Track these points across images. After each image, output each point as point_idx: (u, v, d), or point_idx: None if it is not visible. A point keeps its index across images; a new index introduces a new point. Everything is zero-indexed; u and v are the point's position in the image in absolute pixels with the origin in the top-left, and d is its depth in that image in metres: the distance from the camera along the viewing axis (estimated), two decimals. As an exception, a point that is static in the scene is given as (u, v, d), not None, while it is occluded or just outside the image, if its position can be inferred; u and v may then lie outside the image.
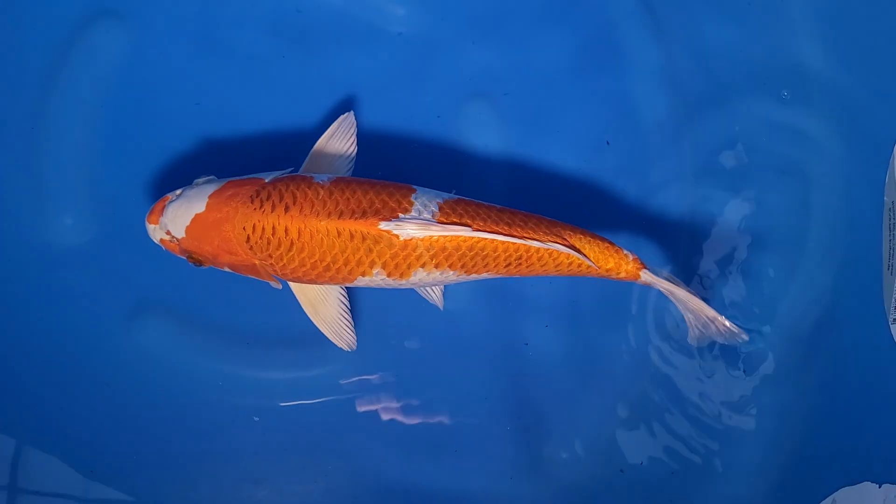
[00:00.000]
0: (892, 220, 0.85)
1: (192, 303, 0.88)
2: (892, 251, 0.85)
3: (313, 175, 0.78)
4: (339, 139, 0.83)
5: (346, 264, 0.76)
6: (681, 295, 0.81)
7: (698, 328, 0.83)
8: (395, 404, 0.89)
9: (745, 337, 0.82)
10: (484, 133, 0.90)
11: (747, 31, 0.90)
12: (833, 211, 0.90)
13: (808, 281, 0.90)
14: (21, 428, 0.87)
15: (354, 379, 0.89)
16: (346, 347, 0.84)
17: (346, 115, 0.83)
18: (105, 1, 0.87)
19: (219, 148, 0.88)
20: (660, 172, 0.91)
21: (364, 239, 0.75)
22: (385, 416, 0.89)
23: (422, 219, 0.75)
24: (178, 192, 0.79)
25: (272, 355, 0.89)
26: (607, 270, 0.79)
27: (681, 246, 0.91)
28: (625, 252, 0.79)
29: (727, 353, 0.90)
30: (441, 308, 0.85)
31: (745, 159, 0.91)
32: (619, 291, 0.90)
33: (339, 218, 0.74)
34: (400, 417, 0.89)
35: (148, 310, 0.88)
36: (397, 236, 0.74)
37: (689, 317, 0.83)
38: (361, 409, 0.89)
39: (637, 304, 0.91)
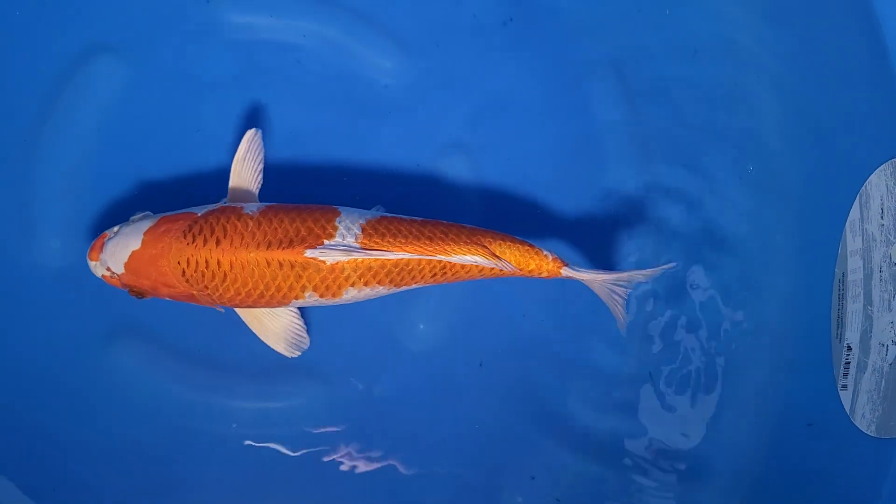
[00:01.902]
0: (841, 290, 0.90)
1: (167, 328, 0.90)
2: (840, 321, 0.89)
3: (242, 206, 0.82)
4: (250, 159, 0.85)
5: (278, 291, 0.79)
6: (600, 289, 0.84)
7: (620, 316, 0.86)
8: (355, 451, 0.91)
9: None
10: (459, 179, 0.94)
11: (718, 114, 0.95)
12: (785, 281, 0.95)
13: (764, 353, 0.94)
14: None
15: (320, 429, 0.92)
16: (298, 353, 0.87)
17: (250, 132, 0.85)
18: (104, 38, 0.91)
19: (205, 178, 0.91)
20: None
21: (293, 267, 0.78)
22: (345, 463, 0.91)
23: (345, 245, 0.78)
24: (115, 229, 0.82)
25: (241, 384, 0.91)
26: (530, 271, 0.83)
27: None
28: (545, 252, 0.83)
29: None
30: None
31: (697, 224, 0.95)
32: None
33: (267, 248, 0.78)
34: (359, 464, 0.91)
35: (124, 333, 0.90)
36: (324, 261, 0.78)
37: (610, 306, 0.86)
38: (325, 456, 0.91)
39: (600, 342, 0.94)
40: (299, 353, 0.87)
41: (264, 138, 0.87)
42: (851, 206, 0.89)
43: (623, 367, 0.94)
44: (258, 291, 0.79)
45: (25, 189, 0.89)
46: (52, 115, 0.90)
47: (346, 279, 0.79)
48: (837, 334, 0.89)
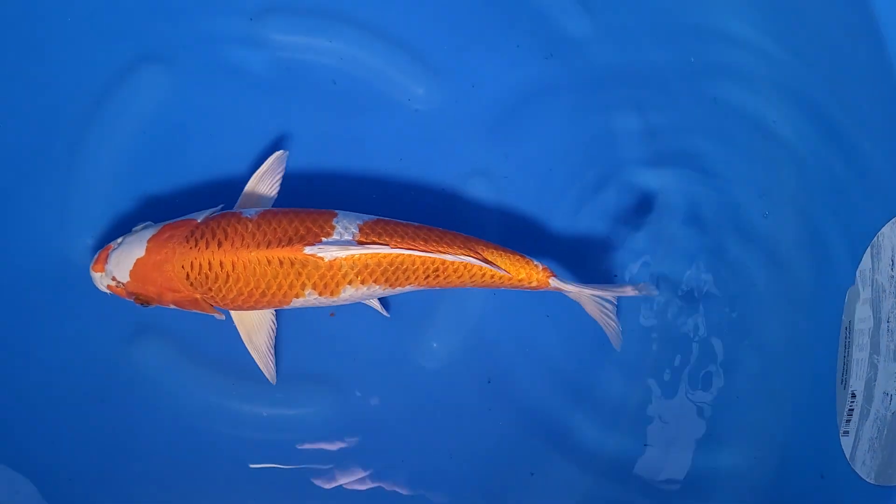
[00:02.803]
0: (847, 338, 0.92)
1: (189, 331, 0.93)
2: (845, 368, 0.91)
3: (241, 210, 0.85)
4: (268, 176, 0.89)
5: (279, 289, 0.82)
6: (588, 302, 0.87)
7: (610, 330, 0.89)
8: (361, 466, 0.93)
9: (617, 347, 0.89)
10: (479, 204, 0.97)
11: (739, 160, 0.98)
12: (793, 325, 0.97)
13: (768, 396, 0.96)
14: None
15: (327, 443, 0.94)
16: (268, 377, 0.90)
17: (278, 152, 0.89)
18: (153, 48, 0.94)
19: (235, 187, 0.93)
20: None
21: (292, 264, 0.81)
22: (349, 478, 0.94)
23: (343, 241, 0.82)
24: (119, 240, 0.85)
25: (255, 390, 0.93)
26: (519, 280, 0.86)
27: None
28: (535, 263, 0.86)
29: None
30: (387, 316, 0.91)
31: (706, 278, 0.98)
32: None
33: (267, 247, 0.81)
34: (363, 479, 0.94)
35: (148, 333, 0.93)
36: (322, 258, 0.81)
37: (599, 320, 0.88)
38: (328, 469, 0.93)
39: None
40: (270, 380, 0.90)
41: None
42: (863, 256, 0.91)
43: (630, 394, 0.96)
44: (260, 290, 0.82)
45: (68, 186, 0.92)
46: (98, 118, 0.93)
47: (344, 277, 0.82)
48: (842, 381, 0.91)
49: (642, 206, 0.98)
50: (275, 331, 0.89)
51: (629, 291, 0.86)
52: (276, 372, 0.91)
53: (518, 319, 0.96)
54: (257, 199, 0.89)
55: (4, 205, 0.92)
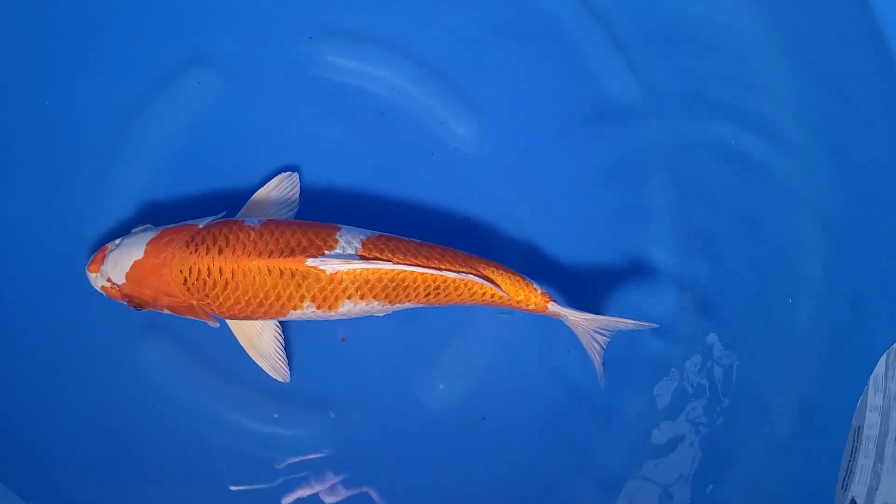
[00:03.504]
0: (854, 443, 0.91)
1: (197, 335, 0.92)
2: (848, 472, 0.90)
3: (244, 219, 0.85)
4: (278, 194, 0.90)
5: (277, 299, 0.81)
6: (583, 332, 0.86)
7: (597, 359, 0.87)
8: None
9: (602, 382, 0.87)
10: (502, 242, 0.97)
11: (765, 248, 0.98)
12: (801, 421, 0.96)
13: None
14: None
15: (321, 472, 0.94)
16: (280, 379, 0.89)
17: (288, 174, 0.91)
18: (210, 52, 0.95)
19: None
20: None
21: (293, 275, 0.81)
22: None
23: (345, 255, 0.81)
24: (116, 241, 0.85)
25: (254, 402, 0.93)
26: (518, 301, 0.85)
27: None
28: (535, 285, 0.85)
29: None
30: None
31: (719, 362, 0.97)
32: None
33: (269, 257, 0.80)
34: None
35: (157, 332, 0.92)
36: (324, 271, 0.80)
37: (589, 350, 0.87)
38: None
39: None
40: (281, 380, 0.89)
41: (326, 171, 0.92)
42: (877, 362, 0.91)
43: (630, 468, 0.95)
44: (258, 300, 0.81)
45: (101, 183, 0.93)
46: (143, 114, 0.93)
47: (344, 291, 0.82)
48: (843, 485, 0.90)
49: (668, 259, 0.97)
50: (280, 332, 0.89)
51: (629, 324, 0.85)
52: (276, 389, 0.90)
53: (529, 372, 0.95)
54: (262, 212, 0.89)
55: (30, 192, 0.92)
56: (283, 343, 0.89)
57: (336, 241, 0.83)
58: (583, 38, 0.98)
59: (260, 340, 0.88)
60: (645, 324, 0.86)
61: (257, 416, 0.93)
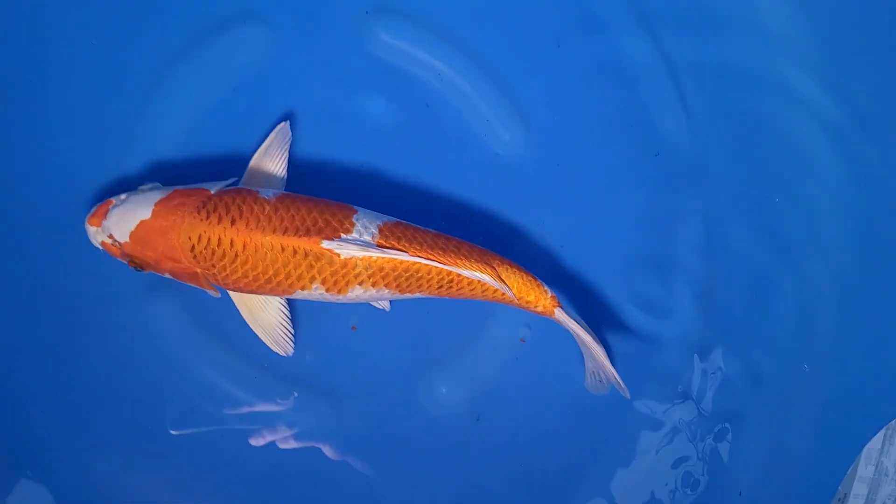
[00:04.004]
0: (838, 508, 0.92)
1: (203, 297, 0.89)
2: (830, 538, 0.91)
3: (258, 189, 0.82)
4: (274, 151, 0.87)
5: (286, 278, 0.79)
6: (587, 340, 0.85)
7: (594, 376, 0.88)
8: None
9: (627, 395, 0.86)
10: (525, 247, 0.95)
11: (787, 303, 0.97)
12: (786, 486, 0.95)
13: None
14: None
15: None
16: (282, 353, 0.87)
17: (281, 125, 0.87)
18: (263, 9, 0.91)
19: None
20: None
21: (306, 255, 0.79)
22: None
23: (362, 241, 0.79)
24: (122, 196, 0.81)
25: (255, 378, 0.91)
26: (527, 302, 0.84)
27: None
28: (545, 288, 0.84)
29: None
30: (387, 310, 0.89)
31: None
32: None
33: (283, 234, 0.78)
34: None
35: (163, 290, 0.90)
36: (338, 255, 0.78)
37: (588, 364, 0.87)
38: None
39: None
40: (283, 354, 0.87)
41: (357, 150, 0.89)
42: (875, 435, 0.91)
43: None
44: (266, 276, 0.79)
45: (123, 129, 0.90)
46: (184, 64, 0.90)
47: (356, 276, 0.80)
48: (824, 549, 0.91)
49: (691, 289, 0.96)
50: (285, 303, 0.86)
51: (608, 373, 0.85)
52: (281, 368, 0.89)
53: (533, 390, 0.94)
54: (265, 177, 0.86)
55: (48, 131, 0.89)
56: (288, 315, 0.87)
57: (353, 225, 0.80)
58: (641, 68, 0.95)
59: (262, 312, 0.86)
60: (622, 388, 0.86)
61: (253, 392, 0.91)
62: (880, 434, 0.91)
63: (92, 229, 0.81)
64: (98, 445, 0.90)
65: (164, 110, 0.90)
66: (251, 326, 0.86)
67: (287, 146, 0.88)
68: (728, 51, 0.96)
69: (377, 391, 0.92)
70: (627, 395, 0.87)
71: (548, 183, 0.95)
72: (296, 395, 0.91)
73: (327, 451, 0.91)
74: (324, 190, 0.88)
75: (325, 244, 0.78)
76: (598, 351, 0.85)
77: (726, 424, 0.95)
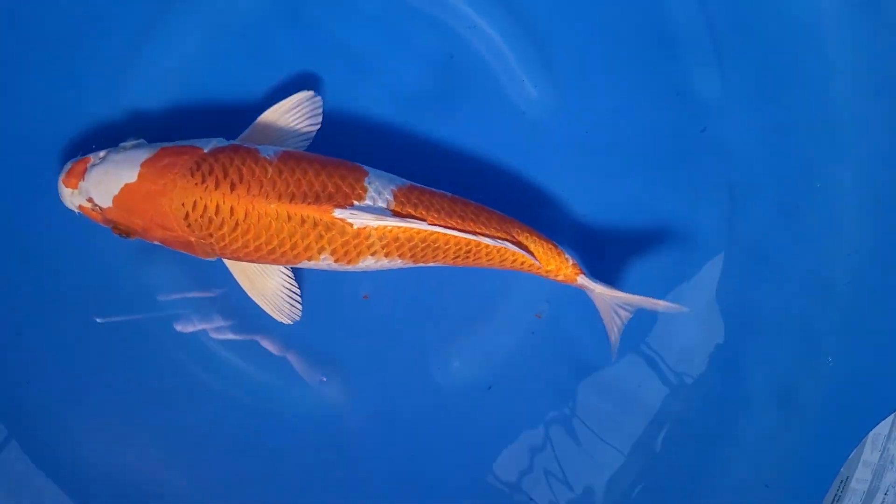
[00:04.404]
0: (839, 492, 0.92)
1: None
2: (829, 523, 0.91)
3: (257, 147, 0.74)
4: (294, 119, 0.78)
5: (292, 248, 0.73)
6: (618, 296, 0.80)
7: (615, 335, 0.83)
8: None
9: (685, 309, 0.81)
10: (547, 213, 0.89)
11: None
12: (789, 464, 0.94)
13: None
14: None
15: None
16: (288, 321, 0.81)
17: (310, 94, 0.78)
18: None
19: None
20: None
21: (315, 225, 0.72)
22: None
23: (376, 208, 0.73)
24: (101, 154, 0.73)
25: (252, 348, 0.85)
26: (548, 271, 0.80)
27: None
28: (566, 255, 0.80)
29: None
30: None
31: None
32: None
33: (290, 201, 0.71)
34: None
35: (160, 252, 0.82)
36: (350, 224, 0.72)
37: (608, 325, 0.82)
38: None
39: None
40: (289, 321, 0.80)
41: (370, 101, 0.83)
42: (882, 420, 0.91)
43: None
44: (270, 247, 0.72)
45: (120, 77, 0.81)
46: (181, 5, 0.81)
47: (369, 247, 0.74)
48: (822, 533, 0.92)
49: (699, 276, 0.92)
50: (289, 269, 0.79)
51: (658, 304, 0.80)
52: (285, 339, 0.84)
53: (545, 366, 0.90)
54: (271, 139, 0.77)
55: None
56: (292, 278, 0.79)
57: (365, 190, 0.73)
58: (679, 28, 0.89)
59: (263, 278, 0.78)
60: (674, 306, 0.80)
61: (258, 362, 0.85)
62: (888, 420, 0.91)
63: (66, 191, 0.72)
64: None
65: (154, 56, 0.81)
66: (250, 295, 0.79)
67: (317, 120, 0.78)
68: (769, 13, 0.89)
69: (387, 363, 0.87)
70: (684, 308, 0.81)
71: (573, 147, 0.89)
72: (291, 357, 0.86)
73: (266, 344, 0.85)
74: (330, 146, 0.80)
75: (337, 213, 0.71)
76: (636, 300, 0.80)
77: (735, 400, 0.93)
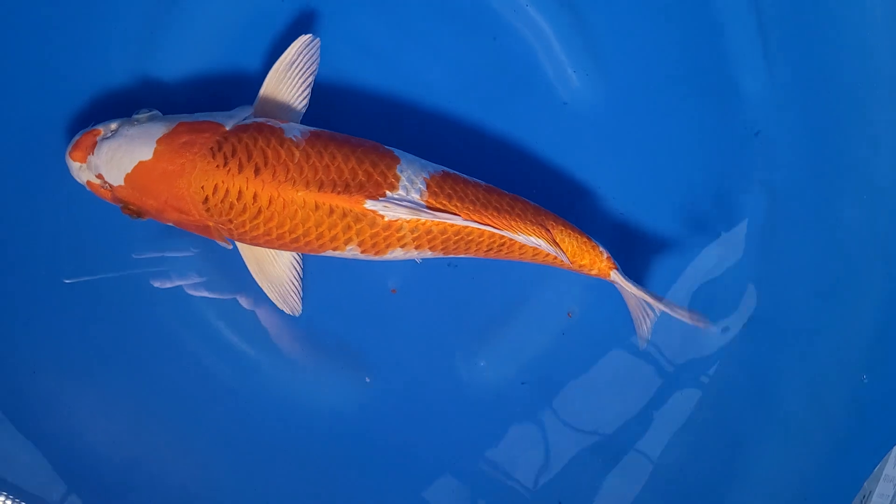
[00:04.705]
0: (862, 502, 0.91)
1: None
2: (853, 536, 0.90)
3: (282, 126, 0.68)
4: (297, 71, 0.71)
5: (318, 239, 0.68)
6: (650, 299, 0.77)
7: (644, 330, 0.80)
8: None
9: (709, 325, 0.81)
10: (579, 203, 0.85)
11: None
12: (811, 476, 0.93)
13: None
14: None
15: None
16: (289, 312, 0.77)
17: (306, 38, 0.71)
18: None
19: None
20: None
21: (344, 216, 0.67)
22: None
23: (410, 200, 0.68)
24: (112, 126, 0.67)
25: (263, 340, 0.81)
26: (580, 266, 0.76)
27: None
28: (601, 249, 0.76)
29: None
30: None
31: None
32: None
33: (318, 190, 0.65)
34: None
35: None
36: (382, 216, 0.67)
37: (636, 319, 0.80)
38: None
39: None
40: (291, 312, 0.76)
41: (409, 82, 0.78)
42: (908, 437, 0.90)
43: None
44: (294, 236, 0.67)
45: (136, 40, 0.76)
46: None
47: (399, 239, 0.69)
48: (843, 546, 0.90)
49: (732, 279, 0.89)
50: (299, 258, 0.75)
51: (684, 316, 0.77)
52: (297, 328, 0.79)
53: (582, 365, 0.86)
54: (281, 105, 0.71)
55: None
56: (300, 271, 0.75)
57: (397, 179, 0.68)
58: (728, 23, 0.85)
59: (272, 264, 0.73)
60: (700, 322, 0.77)
61: (275, 354, 0.81)
62: (914, 436, 0.89)
63: (75, 165, 0.66)
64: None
65: (172, 19, 0.75)
66: (256, 279, 0.74)
67: (314, 66, 0.71)
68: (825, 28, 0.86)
69: (413, 359, 0.83)
70: (708, 324, 0.79)
71: (614, 141, 0.85)
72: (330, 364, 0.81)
73: (243, 301, 0.80)
74: (364, 128, 0.76)
75: (369, 204, 0.66)
76: (666, 305, 0.76)
77: (760, 412, 0.91)
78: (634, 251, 0.87)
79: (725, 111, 0.86)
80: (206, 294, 0.79)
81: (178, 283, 0.78)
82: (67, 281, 0.77)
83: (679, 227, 0.87)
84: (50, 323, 0.77)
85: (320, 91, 0.74)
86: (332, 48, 0.77)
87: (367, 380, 0.82)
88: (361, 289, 0.81)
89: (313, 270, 0.79)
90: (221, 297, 0.79)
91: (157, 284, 0.78)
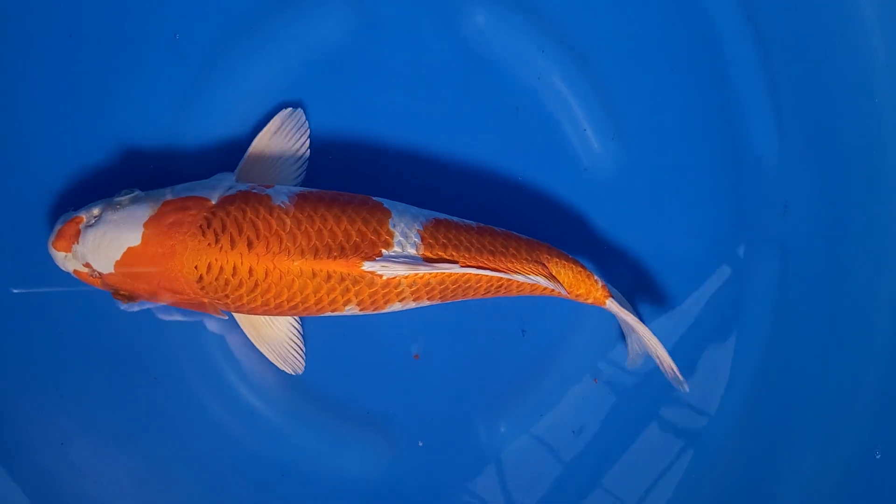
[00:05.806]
0: None
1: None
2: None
3: (269, 193, 0.67)
4: (286, 139, 0.72)
5: (317, 304, 0.67)
6: (640, 331, 0.77)
7: (635, 353, 0.81)
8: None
9: (685, 388, 0.78)
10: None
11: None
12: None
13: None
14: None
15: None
16: (291, 371, 0.75)
17: (292, 110, 0.72)
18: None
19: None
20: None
21: (342, 279, 0.66)
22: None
23: (406, 256, 0.67)
24: (94, 211, 0.65)
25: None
26: (577, 295, 0.76)
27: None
28: (596, 278, 0.76)
29: None
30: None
31: None
32: None
33: (314, 257, 0.64)
34: None
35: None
36: (380, 276, 0.66)
37: (634, 350, 0.80)
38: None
39: None
40: (293, 372, 0.75)
41: (422, 146, 0.78)
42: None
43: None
44: (292, 303, 0.66)
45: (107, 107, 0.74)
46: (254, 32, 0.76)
47: (398, 294, 0.68)
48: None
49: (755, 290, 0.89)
50: (298, 319, 0.74)
51: (665, 365, 0.77)
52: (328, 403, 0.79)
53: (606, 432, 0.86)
54: (266, 169, 0.71)
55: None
56: (299, 328, 0.74)
57: (391, 235, 0.67)
58: (742, 88, 0.86)
59: (269, 328, 0.72)
60: (679, 379, 0.77)
61: (298, 419, 0.80)
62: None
63: (60, 255, 0.64)
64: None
65: (141, 93, 0.74)
66: (255, 344, 0.73)
67: (303, 136, 0.73)
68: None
69: (433, 424, 0.82)
70: (686, 388, 0.77)
71: (631, 201, 0.86)
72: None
73: (211, 325, 0.77)
74: (370, 185, 0.76)
75: (367, 266, 0.65)
76: (654, 343, 0.76)
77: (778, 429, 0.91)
78: (648, 311, 0.87)
79: (741, 175, 0.87)
80: (178, 318, 0.76)
81: (146, 306, 0.74)
82: (15, 291, 0.73)
83: (691, 285, 0.88)
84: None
85: (335, 154, 0.75)
86: (352, 116, 0.78)
87: (420, 443, 0.81)
88: (384, 354, 0.80)
89: (335, 336, 0.78)
90: (191, 319, 0.76)
91: (123, 307, 0.73)
